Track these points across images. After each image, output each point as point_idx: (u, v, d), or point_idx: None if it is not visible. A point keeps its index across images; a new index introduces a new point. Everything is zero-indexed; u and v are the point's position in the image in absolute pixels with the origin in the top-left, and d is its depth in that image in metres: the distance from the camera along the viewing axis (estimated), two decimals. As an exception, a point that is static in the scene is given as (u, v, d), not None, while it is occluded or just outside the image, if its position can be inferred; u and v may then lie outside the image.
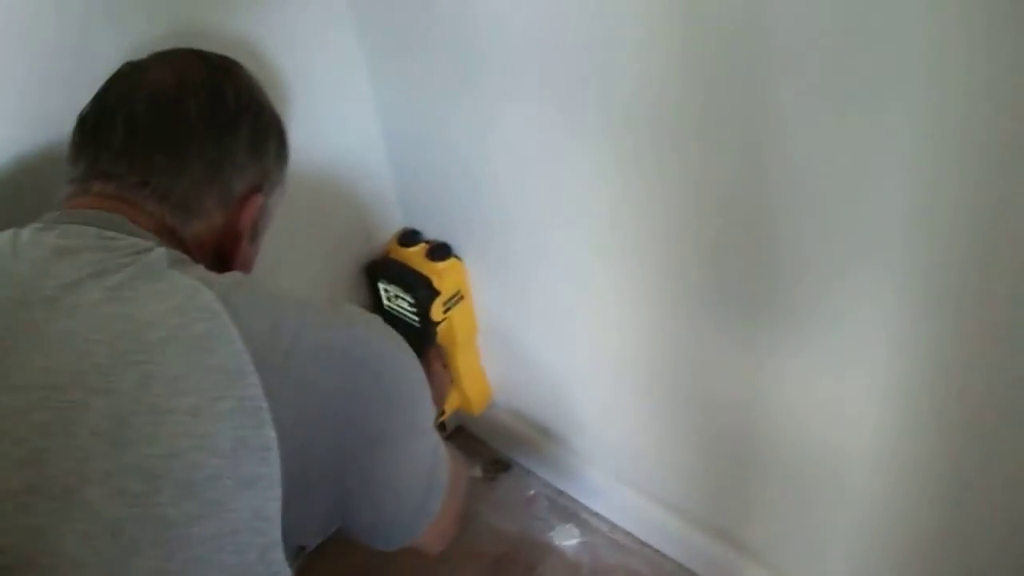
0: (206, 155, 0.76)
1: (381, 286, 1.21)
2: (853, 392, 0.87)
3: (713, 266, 0.91)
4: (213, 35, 0.95)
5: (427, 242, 1.20)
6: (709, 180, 0.85)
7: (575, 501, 1.37)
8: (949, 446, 0.83)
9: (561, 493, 1.38)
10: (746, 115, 0.77)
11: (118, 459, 0.58)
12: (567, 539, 1.33)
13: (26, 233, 0.70)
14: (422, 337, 1.19)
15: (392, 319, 1.21)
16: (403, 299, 1.18)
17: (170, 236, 0.74)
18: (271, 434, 0.61)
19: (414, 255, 1.19)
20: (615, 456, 1.26)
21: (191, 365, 0.61)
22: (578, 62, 0.87)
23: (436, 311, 1.17)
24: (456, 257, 1.19)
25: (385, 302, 1.22)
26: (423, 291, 1.16)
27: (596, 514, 1.34)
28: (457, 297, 1.20)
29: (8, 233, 0.71)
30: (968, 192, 0.68)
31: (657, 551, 1.28)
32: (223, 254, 0.79)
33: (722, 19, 0.74)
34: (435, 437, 0.79)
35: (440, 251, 1.18)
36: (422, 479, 0.77)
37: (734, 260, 0.88)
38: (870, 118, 0.69)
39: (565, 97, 0.91)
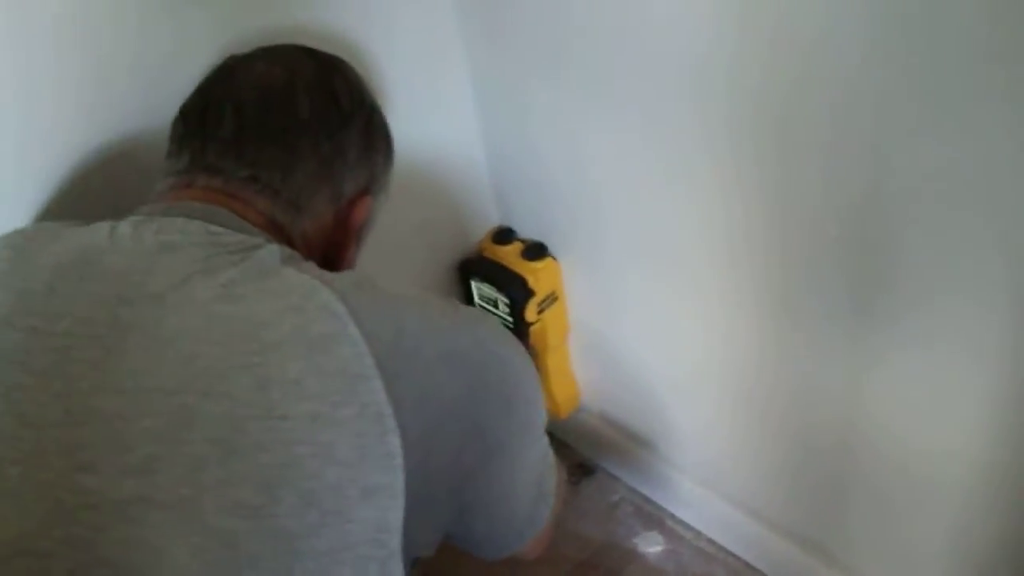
0: (319, 153, 0.73)
1: (474, 284, 1.19)
2: (955, 403, 0.83)
3: (819, 276, 0.88)
4: (305, 21, 0.94)
5: (522, 241, 1.18)
6: (822, 189, 0.81)
7: (660, 508, 1.33)
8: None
9: (646, 499, 1.34)
10: (867, 127, 0.74)
11: (233, 468, 0.55)
12: (651, 546, 1.30)
13: (125, 226, 0.67)
14: (515, 338, 1.17)
15: (484, 318, 1.19)
16: (496, 298, 1.16)
17: (279, 234, 0.72)
18: (395, 442, 0.58)
19: (509, 254, 1.17)
20: (703, 462, 1.23)
21: (310, 368, 0.57)
22: (685, 61, 0.85)
23: (530, 312, 1.15)
24: (552, 257, 1.16)
25: (477, 301, 1.20)
26: (518, 291, 1.14)
27: (681, 521, 1.31)
28: (551, 298, 1.17)
29: (103, 226, 0.68)
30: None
31: (742, 560, 1.24)
32: (330, 255, 0.78)
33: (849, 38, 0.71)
34: (546, 442, 0.77)
35: (536, 250, 1.15)
36: (533, 487, 0.74)
37: (841, 270, 0.85)
38: (995, 131, 0.66)
39: (672, 95, 0.88)
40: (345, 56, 0.83)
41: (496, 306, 1.17)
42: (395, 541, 0.59)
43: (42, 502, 0.54)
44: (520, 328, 1.16)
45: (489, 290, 1.17)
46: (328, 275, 0.64)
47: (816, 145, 0.79)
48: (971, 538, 0.93)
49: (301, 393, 0.57)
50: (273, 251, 0.65)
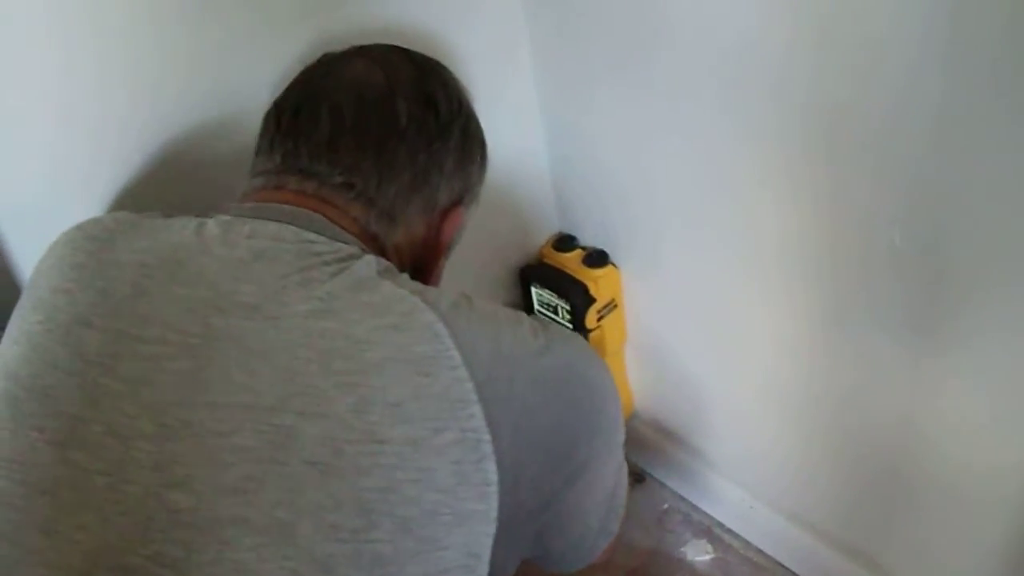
0: (416, 162, 0.71)
1: (534, 290, 1.19)
2: (1010, 420, 0.83)
3: (874, 288, 0.88)
4: (369, 16, 0.93)
5: (583, 248, 1.18)
6: (885, 196, 0.81)
7: (709, 516, 1.33)
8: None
9: (695, 508, 1.34)
10: (934, 135, 0.74)
11: (331, 491, 0.53)
12: (700, 555, 1.30)
13: (213, 227, 0.65)
14: (573, 344, 1.18)
15: (543, 324, 1.20)
16: (557, 304, 1.17)
17: (372, 243, 0.70)
18: (491, 468, 0.57)
19: (570, 260, 1.17)
20: (753, 472, 1.23)
21: (411, 391, 0.56)
22: (755, 65, 0.84)
23: (590, 318, 1.15)
24: (613, 265, 1.17)
25: (536, 307, 1.21)
26: (578, 297, 1.14)
27: (730, 530, 1.31)
28: (611, 305, 1.18)
29: (188, 223, 0.65)
30: None
31: (790, 570, 1.24)
32: (419, 267, 0.75)
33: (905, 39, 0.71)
34: (622, 454, 0.76)
35: (597, 258, 1.16)
36: (608, 500, 0.74)
37: (896, 282, 0.85)
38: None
39: (738, 101, 0.88)
40: (407, 44, 0.80)
41: (556, 312, 1.18)
42: (483, 566, 0.59)
43: (130, 516, 0.53)
44: (579, 334, 1.17)
45: (549, 296, 1.17)
46: (427, 292, 0.62)
47: (871, 150, 0.79)
48: (1020, 556, 0.92)
49: (401, 416, 0.55)
50: (370, 262, 0.63)
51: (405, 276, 0.65)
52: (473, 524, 0.57)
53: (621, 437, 0.74)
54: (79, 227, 0.69)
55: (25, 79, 0.76)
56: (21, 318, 0.65)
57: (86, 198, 0.81)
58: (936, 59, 0.70)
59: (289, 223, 0.65)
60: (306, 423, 0.54)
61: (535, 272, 1.19)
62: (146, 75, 0.82)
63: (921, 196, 0.78)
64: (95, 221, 0.69)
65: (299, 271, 0.61)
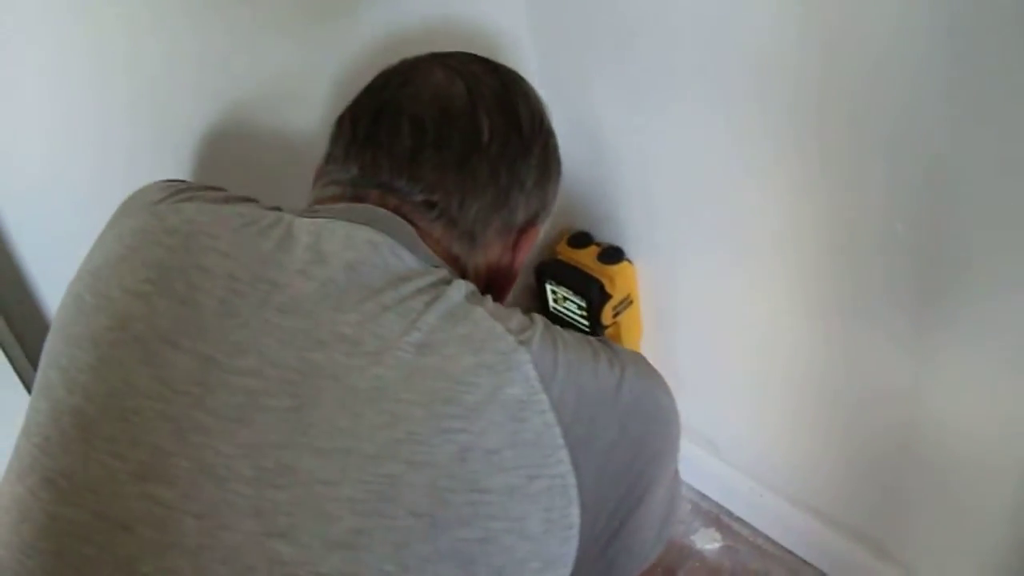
0: (497, 180, 0.68)
1: (549, 287, 1.19)
2: (1010, 409, 0.85)
3: (885, 274, 0.89)
4: (381, 13, 0.93)
5: (598, 244, 1.19)
6: (887, 186, 0.82)
7: (718, 505, 1.35)
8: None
9: (704, 496, 1.36)
10: (934, 120, 0.75)
11: (435, 543, 0.51)
12: (709, 543, 1.32)
13: (302, 234, 0.59)
14: (589, 341, 1.18)
15: (559, 321, 1.20)
16: (572, 301, 1.17)
17: (454, 265, 0.67)
18: (576, 512, 0.55)
19: (585, 257, 1.17)
20: (760, 460, 1.25)
21: (507, 437, 0.53)
22: (749, 55, 0.85)
23: (606, 315, 1.16)
24: (628, 260, 1.17)
25: (552, 304, 1.21)
26: (594, 294, 1.14)
27: (738, 519, 1.33)
28: (626, 302, 1.18)
29: (276, 227, 0.60)
30: None
31: (799, 557, 1.26)
32: (494, 288, 0.72)
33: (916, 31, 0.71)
34: (676, 467, 0.74)
35: (613, 254, 1.16)
36: (664, 515, 0.71)
37: (909, 268, 0.86)
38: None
39: (735, 92, 0.89)
40: (420, 50, 0.78)
41: (571, 309, 1.18)
42: None
43: (226, 565, 0.50)
44: (595, 331, 1.17)
45: (565, 293, 1.17)
46: (515, 323, 0.59)
47: (882, 140, 0.80)
48: (1021, 547, 0.94)
49: (499, 464, 0.53)
50: (460, 287, 0.59)
51: (489, 300, 0.61)
52: (555, 568, 0.56)
53: (679, 447, 0.72)
54: (154, 213, 0.62)
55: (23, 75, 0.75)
56: (79, 310, 0.60)
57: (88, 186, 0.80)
58: (941, 44, 0.71)
59: (384, 231, 0.61)
60: (412, 473, 0.51)
61: (550, 269, 1.19)
62: (148, 70, 0.81)
63: (930, 185, 0.78)
64: (175, 209, 0.63)
65: (397, 301, 0.57)
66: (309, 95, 0.94)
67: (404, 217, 0.65)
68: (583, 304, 1.16)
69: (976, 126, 0.72)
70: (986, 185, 0.74)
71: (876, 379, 0.97)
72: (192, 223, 0.61)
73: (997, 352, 0.83)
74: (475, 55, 0.76)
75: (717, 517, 1.34)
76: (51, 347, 0.60)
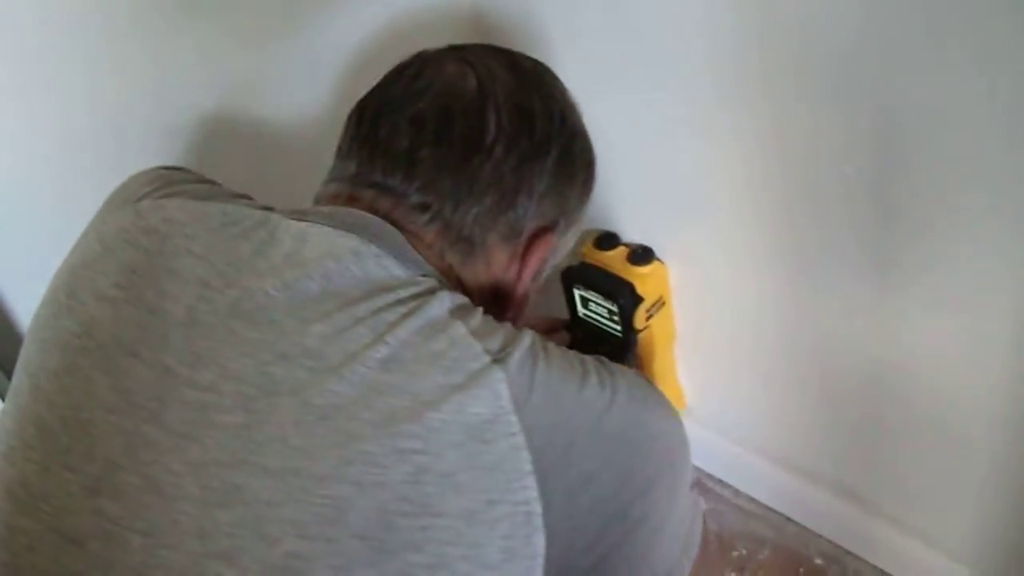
0: (501, 184, 0.64)
1: (577, 293, 1.13)
2: (979, 347, 0.85)
3: (839, 221, 0.88)
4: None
5: (626, 245, 1.12)
6: (835, 129, 0.82)
7: (698, 469, 1.32)
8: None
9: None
10: (877, 63, 0.75)
11: (381, 568, 0.49)
12: None
13: (287, 239, 0.57)
14: (623, 347, 1.12)
15: (590, 328, 1.14)
16: (602, 307, 1.11)
17: (448, 274, 0.64)
18: (540, 541, 0.52)
19: (613, 259, 1.11)
20: (737, 421, 1.23)
21: (467, 459, 0.51)
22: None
23: (639, 319, 1.09)
24: (659, 260, 1.10)
25: (580, 310, 1.15)
26: (626, 298, 1.08)
27: (720, 481, 1.31)
28: (659, 303, 1.12)
29: (260, 229, 0.58)
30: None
31: (781, 514, 1.25)
32: (499, 298, 0.68)
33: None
34: (692, 496, 0.69)
35: (643, 255, 1.10)
36: (678, 546, 0.67)
37: (860, 212, 0.86)
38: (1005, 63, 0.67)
39: (681, 41, 0.90)
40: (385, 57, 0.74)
41: (601, 315, 1.12)
42: None
43: None
44: (628, 336, 1.11)
45: (594, 297, 1.11)
46: (497, 342, 0.55)
47: (826, 85, 0.79)
48: (1001, 478, 0.94)
49: (456, 487, 0.50)
50: (444, 300, 0.56)
51: (479, 315, 0.58)
52: None
53: (688, 480, 0.67)
54: (136, 210, 0.60)
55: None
56: (53, 312, 0.58)
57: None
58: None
59: (370, 241, 0.58)
60: (361, 495, 0.49)
61: (577, 273, 1.13)
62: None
63: (875, 126, 0.78)
64: (156, 206, 0.61)
65: (369, 301, 0.54)
66: (272, 109, 0.94)
67: (397, 221, 0.62)
68: (614, 308, 1.09)
69: (917, 77, 0.73)
70: (930, 123, 0.75)
71: (838, 330, 0.98)
72: (170, 223, 0.59)
73: (955, 302, 0.84)
74: (497, 48, 0.71)
75: (699, 481, 1.32)
76: (25, 350, 0.60)
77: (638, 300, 1.08)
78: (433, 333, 0.54)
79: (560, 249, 0.72)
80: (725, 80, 0.88)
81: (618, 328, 1.11)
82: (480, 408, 0.51)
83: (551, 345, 0.58)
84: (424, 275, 0.59)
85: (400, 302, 0.55)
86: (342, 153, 0.66)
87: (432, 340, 0.53)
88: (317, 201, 0.66)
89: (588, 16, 0.97)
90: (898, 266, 0.87)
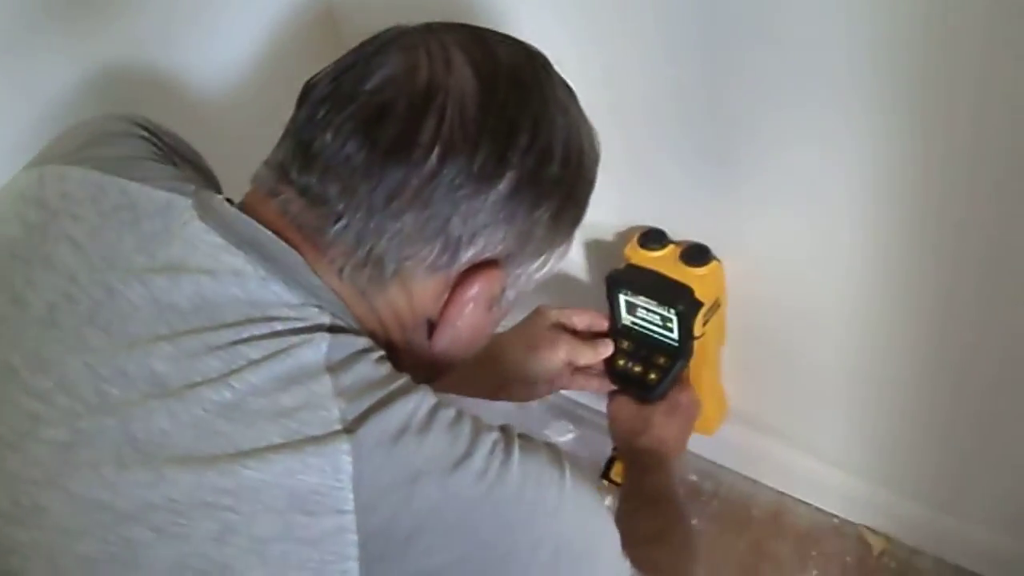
0: (430, 204, 0.53)
1: (623, 299, 1.00)
2: (820, 244, 0.87)
3: (674, 128, 0.90)
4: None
5: (676, 243, 1.00)
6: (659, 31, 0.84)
7: (567, 399, 1.36)
8: (922, 299, 0.86)
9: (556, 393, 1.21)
10: None
11: None
12: (562, 435, 1.34)
13: (177, 240, 0.53)
14: (678, 357, 1.00)
15: (637, 337, 1.01)
16: (655, 313, 0.98)
17: (352, 302, 0.55)
18: None
19: (663, 260, 0.99)
20: None
21: (283, 529, 0.48)
22: None
23: (699, 326, 0.98)
24: (716, 259, 0.99)
25: (626, 317, 1.02)
26: (684, 303, 0.96)
27: (589, 408, 1.33)
28: (715, 306, 1.00)
29: (160, 214, 0.54)
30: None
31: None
32: (414, 347, 0.60)
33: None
34: None
35: (698, 253, 0.98)
36: None
37: (694, 115, 0.87)
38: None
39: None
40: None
41: (652, 322, 0.99)
42: None
43: None
44: (686, 345, 0.99)
45: (643, 303, 0.98)
46: (365, 402, 0.50)
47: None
48: (863, 381, 0.99)
49: (262, 556, 0.47)
50: (321, 345, 0.51)
51: (367, 365, 0.52)
52: None
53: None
54: (42, 174, 0.58)
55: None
56: None
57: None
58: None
59: (258, 262, 0.53)
60: (159, 542, 0.48)
61: (623, 277, 0.99)
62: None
63: (699, 30, 0.80)
64: (61, 174, 0.58)
65: (238, 328, 0.50)
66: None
67: (304, 227, 0.54)
68: (672, 316, 0.97)
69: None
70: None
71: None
72: (65, 198, 0.56)
73: (788, 193, 0.87)
74: (484, 35, 0.59)
75: (568, 409, 1.35)
76: None
77: (698, 305, 0.97)
78: (291, 385, 0.50)
79: (521, 285, 0.61)
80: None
81: (672, 336, 0.99)
82: (311, 477, 0.48)
83: (447, 413, 0.52)
84: (319, 304, 0.53)
85: (275, 335, 0.51)
86: (282, 135, 0.58)
87: (286, 392, 0.50)
88: (252, 182, 0.58)
89: None
90: (726, 160, 0.89)
